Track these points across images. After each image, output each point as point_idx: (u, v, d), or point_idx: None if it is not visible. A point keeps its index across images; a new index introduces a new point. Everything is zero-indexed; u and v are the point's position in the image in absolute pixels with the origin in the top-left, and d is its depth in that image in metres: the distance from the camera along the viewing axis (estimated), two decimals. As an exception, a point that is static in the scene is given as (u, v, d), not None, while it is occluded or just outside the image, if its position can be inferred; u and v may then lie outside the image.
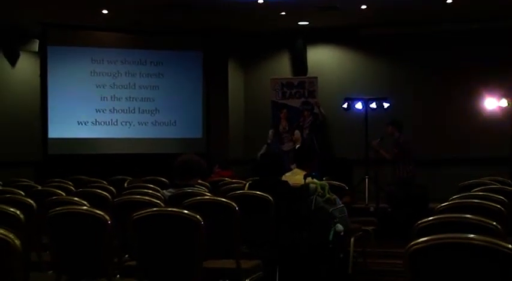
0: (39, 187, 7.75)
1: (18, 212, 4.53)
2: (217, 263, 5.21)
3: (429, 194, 11.29)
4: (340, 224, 6.02)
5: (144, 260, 4.58)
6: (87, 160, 13.33)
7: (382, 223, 9.07)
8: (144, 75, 14.38)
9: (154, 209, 4.69)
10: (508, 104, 13.35)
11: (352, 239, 7.05)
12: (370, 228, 8.17)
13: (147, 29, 14.36)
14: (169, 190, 6.25)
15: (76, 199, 5.65)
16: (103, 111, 14.08)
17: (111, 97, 14.16)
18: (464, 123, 13.76)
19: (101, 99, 14.07)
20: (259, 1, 11.95)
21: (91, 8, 12.46)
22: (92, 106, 13.98)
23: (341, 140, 14.30)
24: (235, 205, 5.18)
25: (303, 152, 7.58)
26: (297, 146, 12.24)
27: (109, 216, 4.53)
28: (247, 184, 6.83)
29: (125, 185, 8.71)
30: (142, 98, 14.36)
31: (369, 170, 12.65)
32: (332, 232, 5.95)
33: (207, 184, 7.88)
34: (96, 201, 5.80)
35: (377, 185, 12.37)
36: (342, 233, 6.02)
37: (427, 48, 14.15)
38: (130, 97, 14.28)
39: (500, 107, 13.44)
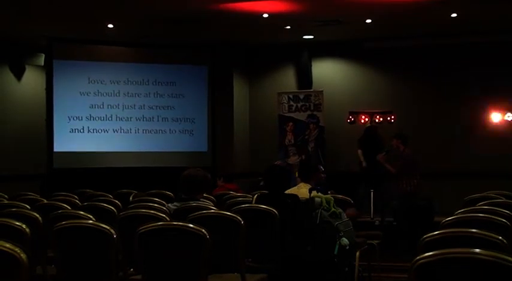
0: (45, 201, 7.75)
1: (24, 226, 4.54)
2: (222, 278, 5.21)
3: (434, 207, 11.28)
4: (346, 238, 6.01)
5: (149, 274, 4.58)
6: (92, 174, 13.33)
7: (388, 236, 9.06)
8: (149, 89, 14.38)
9: (160, 223, 4.69)
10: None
11: (357, 253, 7.04)
12: (375, 242, 8.16)
13: (152, 44, 14.39)
14: (175, 203, 6.25)
15: (82, 212, 5.66)
16: (108, 124, 14.08)
17: (117, 111, 14.16)
18: (470, 136, 13.75)
19: (107, 113, 14.08)
20: (264, 15, 11.99)
21: (96, 22, 12.51)
22: (97, 120, 13.99)
23: (346, 153, 14.29)
24: (240, 219, 5.18)
25: (307, 166, 7.59)
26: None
27: (114, 230, 4.53)
28: (255, 196, 6.83)
29: (130, 198, 8.71)
30: (147, 112, 14.36)
31: (374, 183, 12.63)
32: (337, 246, 5.94)
33: (212, 197, 7.88)
34: (101, 215, 5.82)
35: (382, 198, 12.36)
36: (347, 247, 6.01)
37: (432, 61, 14.17)
38: (135, 111, 14.29)
39: (505, 120, 13.43)
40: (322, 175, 7.23)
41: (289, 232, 5.98)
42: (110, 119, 14.10)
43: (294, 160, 14.01)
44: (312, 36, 13.96)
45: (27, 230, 4.52)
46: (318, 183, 6.90)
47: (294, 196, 6.37)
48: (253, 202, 6.62)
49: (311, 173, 7.17)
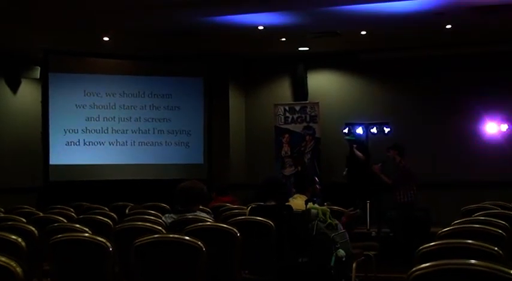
0: (41, 214, 7.74)
1: (19, 239, 4.53)
2: (218, 290, 5.20)
3: (431, 218, 11.28)
4: (342, 249, 6.01)
5: (146, 287, 4.57)
6: (88, 186, 13.31)
7: (384, 247, 9.04)
8: (144, 101, 14.38)
9: (156, 235, 4.69)
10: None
11: (354, 265, 7.03)
12: (371, 253, 8.15)
13: (148, 56, 14.40)
14: (171, 215, 6.24)
15: (77, 225, 5.65)
16: (104, 137, 14.07)
17: (113, 124, 14.15)
18: (465, 147, 13.76)
19: (103, 126, 14.07)
20: (259, 27, 12.02)
21: (92, 35, 12.52)
22: (93, 132, 13.98)
23: (342, 165, 14.28)
24: (236, 231, 5.18)
25: (303, 178, 7.58)
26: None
27: (110, 243, 4.53)
28: (249, 208, 6.83)
29: (126, 211, 8.70)
30: (143, 125, 14.35)
31: (371, 194, 12.62)
32: (334, 258, 5.93)
33: (208, 209, 7.87)
34: (97, 228, 5.80)
35: (378, 209, 12.35)
36: (344, 259, 6.01)
37: (427, 72, 14.20)
38: (131, 124, 14.29)
39: (500, 131, 13.44)
40: (318, 187, 7.22)
41: (285, 243, 5.97)
42: (105, 131, 14.09)
43: (290, 171, 14.02)
44: (307, 48, 13.99)
45: (23, 243, 4.51)
46: (313, 195, 6.90)
47: (289, 207, 6.37)
48: (247, 213, 6.62)
49: (307, 185, 7.16)
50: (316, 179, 7.35)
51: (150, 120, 14.42)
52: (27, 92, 14.32)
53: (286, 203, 6.59)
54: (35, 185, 13.50)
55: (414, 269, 3.07)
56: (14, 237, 4.55)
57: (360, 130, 13.41)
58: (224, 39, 13.04)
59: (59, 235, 4.80)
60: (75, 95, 13.88)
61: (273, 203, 6.45)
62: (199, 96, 14.78)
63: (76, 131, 13.84)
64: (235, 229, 5.20)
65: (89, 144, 13.97)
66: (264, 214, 6.04)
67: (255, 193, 12.06)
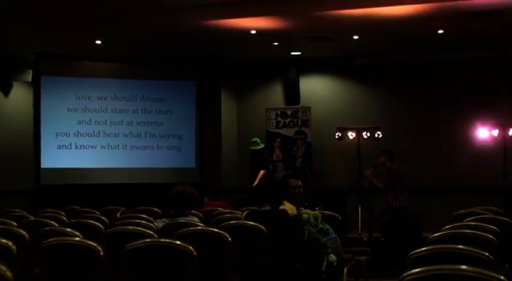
0: (32, 218, 7.72)
1: (10, 243, 4.52)
2: (210, 294, 5.19)
3: (422, 223, 11.31)
4: (333, 254, 6.02)
5: (137, 291, 4.57)
6: (79, 190, 13.27)
7: (376, 252, 9.05)
8: (136, 105, 14.36)
9: (147, 240, 4.69)
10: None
11: (345, 270, 7.03)
12: (363, 258, 8.15)
13: (140, 60, 14.38)
14: (163, 219, 6.25)
15: (69, 229, 5.64)
16: (96, 141, 14.05)
17: (105, 127, 14.13)
18: (457, 152, 13.79)
19: (95, 130, 14.04)
20: (252, 32, 12.02)
21: (84, 39, 12.51)
22: (85, 136, 13.95)
23: (334, 169, 14.31)
24: (228, 236, 5.18)
25: (269, 187, 7.55)
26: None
27: (102, 247, 4.52)
28: (244, 213, 6.83)
29: (118, 215, 8.69)
30: (135, 128, 14.33)
31: (362, 199, 12.65)
32: (325, 263, 5.94)
33: (200, 214, 7.87)
34: (89, 232, 5.79)
35: (370, 214, 12.37)
36: (335, 264, 6.02)
37: (419, 77, 14.22)
38: (123, 127, 14.26)
39: (492, 136, 13.46)
40: (296, 185, 7.19)
41: (278, 248, 5.97)
42: (97, 135, 14.06)
43: (281, 175, 13.99)
44: (299, 53, 14.01)
45: (14, 247, 4.49)
46: (291, 200, 6.81)
47: (283, 212, 6.37)
48: (242, 218, 6.62)
49: (281, 192, 7.11)
50: (290, 182, 7.31)
51: (142, 124, 14.40)
52: (19, 95, 14.28)
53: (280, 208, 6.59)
54: (27, 188, 13.45)
55: (405, 274, 3.08)
56: (4, 241, 4.53)
57: (351, 135, 13.42)
58: (216, 43, 13.03)
59: (50, 239, 4.79)
60: (67, 98, 13.86)
61: (268, 208, 6.45)
62: (191, 100, 14.77)
63: (68, 134, 13.81)
64: (226, 234, 5.20)
65: (81, 147, 13.94)
66: (259, 219, 6.03)
67: (247, 197, 12.13)
